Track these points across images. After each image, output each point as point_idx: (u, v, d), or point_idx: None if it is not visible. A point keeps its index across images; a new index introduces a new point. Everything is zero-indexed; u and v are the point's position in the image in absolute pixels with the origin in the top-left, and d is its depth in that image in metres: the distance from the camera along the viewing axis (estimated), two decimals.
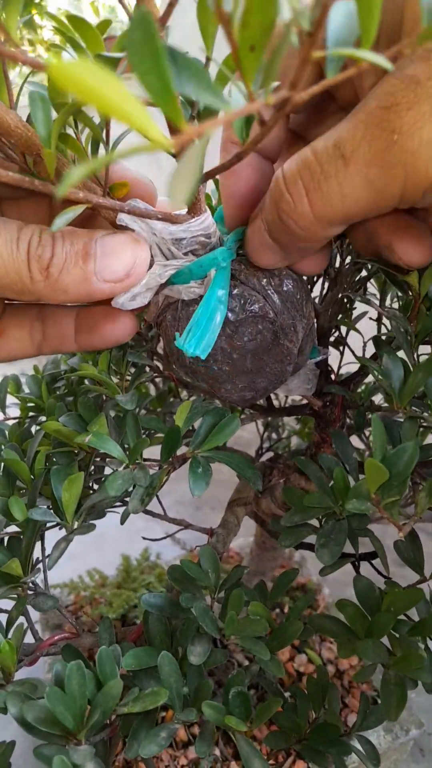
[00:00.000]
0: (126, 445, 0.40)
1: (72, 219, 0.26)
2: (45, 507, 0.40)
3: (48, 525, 0.43)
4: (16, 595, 0.40)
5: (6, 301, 0.37)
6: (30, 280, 0.30)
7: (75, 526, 0.40)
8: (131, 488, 0.39)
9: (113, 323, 0.36)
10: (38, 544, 0.43)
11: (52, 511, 0.40)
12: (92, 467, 0.46)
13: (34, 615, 0.85)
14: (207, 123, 0.15)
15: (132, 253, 0.32)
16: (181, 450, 0.41)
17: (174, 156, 0.25)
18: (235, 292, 0.34)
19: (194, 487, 0.37)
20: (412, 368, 0.36)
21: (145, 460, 0.41)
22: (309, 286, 0.49)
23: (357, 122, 0.27)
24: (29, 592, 0.40)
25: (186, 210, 0.33)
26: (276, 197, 0.30)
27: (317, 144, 0.28)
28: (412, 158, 0.26)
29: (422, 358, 0.38)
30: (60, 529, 0.41)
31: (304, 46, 0.17)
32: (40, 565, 0.42)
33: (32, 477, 0.43)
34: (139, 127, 0.13)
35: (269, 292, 0.35)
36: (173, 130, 0.26)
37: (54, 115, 0.28)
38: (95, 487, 0.47)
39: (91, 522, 0.40)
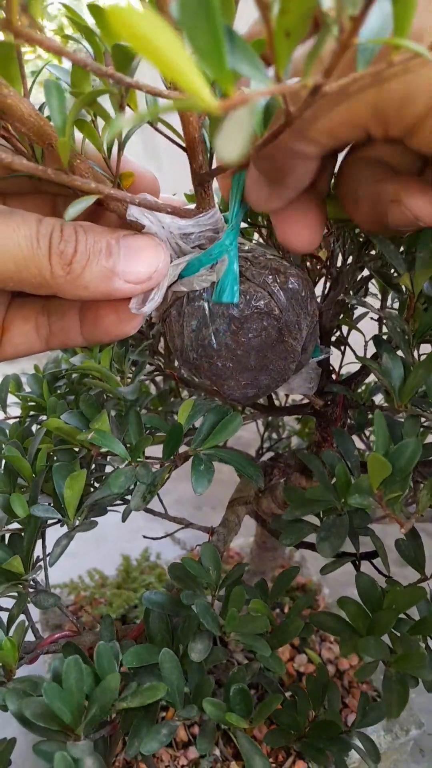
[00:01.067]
0: (128, 444, 0.40)
1: (84, 209, 0.26)
2: (47, 504, 0.40)
3: (49, 522, 0.43)
4: (16, 593, 0.40)
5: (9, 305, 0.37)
6: (50, 274, 0.30)
7: (77, 523, 0.40)
8: (133, 486, 0.39)
9: (118, 316, 0.36)
10: (39, 542, 0.43)
11: (53, 508, 0.40)
12: (93, 465, 0.46)
13: (35, 614, 0.85)
14: (255, 91, 0.15)
15: (155, 257, 0.32)
16: (183, 448, 0.41)
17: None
18: (240, 288, 0.34)
19: (197, 485, 0.37)
20: (411, 367, 0.36)
21: (146, 458, 0.41)
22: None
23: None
24: (30, 590, 0.40)
25: (195, 204, 0.33)
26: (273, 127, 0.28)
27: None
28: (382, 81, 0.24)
29: (422, 358, 0.38)
30: (61, 526, 0.41)
31: (344, 32, 0.17)
32: (41, 563, 0.42)
33: (33, 474, 0.43)
34: (190, 83, 0.13)
35: (275, 289, 0.35)
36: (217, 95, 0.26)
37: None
38: (96, 484, 0.47)
39: (92, 519, 0.40)
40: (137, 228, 0.33)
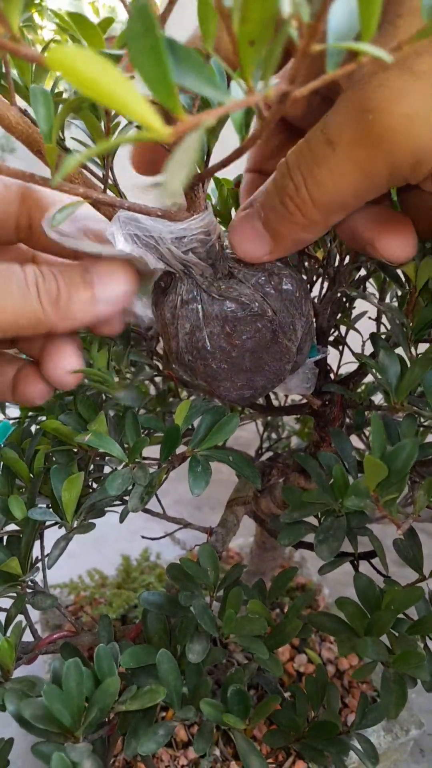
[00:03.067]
0: (126, 444, 0.40)
1: (72, 213, 0.26)
2: (45, 506, 0.40)
3: (47, 523, 0.43)
4: (14, 594, 0.40)
5: None
6: (43, 314, 0.33)
7: (75, 525, 0.40)
8: (130, 487, 0.39)
9: (30, 386, 0.39)
10: (37, 543, 0.43)
11: (51, 510, 0.40)
12: (92, 466, 0.46)
13: (34, 615, 0.85)
14: (204, 113, 0.15)
15: (125, 275, 0.35)
16: (180, 449, 0.41)
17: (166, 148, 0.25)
18: (234, 290, 0.34)
19: (194, 486, 0.37)
20: (409, 363, 0.36)
21: (144, 458, 0.41)
22: (308, 286, 0.49)
23: (339, 107, 0.27)
24: (28, 591, 0.40)
25: (186, 207, 0.33)
26: (279, 184, 0.31)
27: (309, 132, 0.29)
28: (392, 134, 0.26)
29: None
30: (59, 527, 0.41)
31: (303, 39, 0.17)
32: (39, 564, 0.42)
33: (32, 476, 0.43)
34: (136, 114, 0.13)
35: (268, 290, 0.35)
36: (170, 120, 0.26)
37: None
38: (94, 485, 0.47)
39: (90, 521, 0.40)
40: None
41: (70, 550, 0.41)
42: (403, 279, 0.40)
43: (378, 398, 0.54)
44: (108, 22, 0.30)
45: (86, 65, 0.12)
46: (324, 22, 0.16)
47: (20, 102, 0.32)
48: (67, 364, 0.37)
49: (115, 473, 0.37)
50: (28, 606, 0.41)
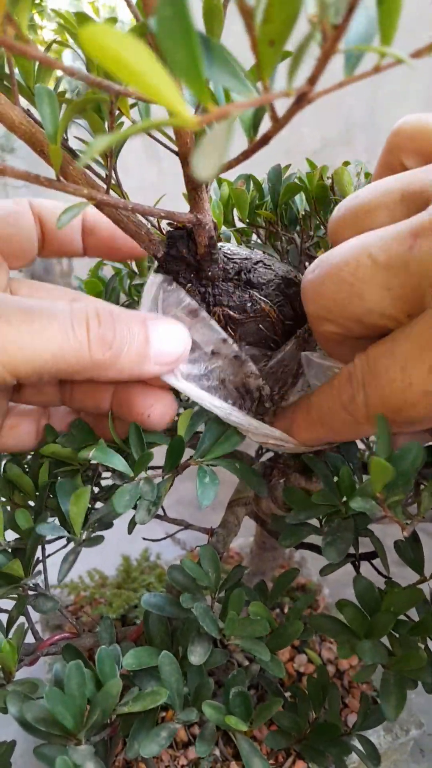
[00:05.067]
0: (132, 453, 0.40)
1: (77, 215, 0.26)
2: (53, 521, 0.40)
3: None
4: (16, 595, 0.40)
5: (10, 403, 0.40)
6: (90, 360, 0.31)
7: (83, 538, 0.40)
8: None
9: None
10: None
11: (59, 526, 0.40)
12: (96, 476, 0.46)
13: (34, 615, 0.85)
14: (234, 104, 0.15)
15: (182, 338, 0.34)
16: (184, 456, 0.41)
17: (175, 147, 0.25)
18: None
19: (202, 498, 0.37)
20: None
21: (147, 468, 0.41)
22: None
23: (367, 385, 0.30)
24: (30, 593, 0.40)
25: (190, 208, 0.33)
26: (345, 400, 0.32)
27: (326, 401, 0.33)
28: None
29: None
30: (68, 542, 0.41)
31: (328, 40, 0.17)
32: (41, 567, 0.42)
33: (36, 492, 0.42)
34: (165, 100, 0.13)
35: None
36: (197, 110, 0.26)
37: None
38: (97, 489, 0.47)
39: (99, 533, 0.40)
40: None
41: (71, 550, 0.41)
42: None
43: None
44: (111, 21, 0.30)
45: (118, 44, 0.12)
46: (350, 22, 0.16)
47: (23, 102, 0.32)
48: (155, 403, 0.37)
49: (122, 489, 0.36)
50: (29, 607, 0.41)
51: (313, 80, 0.18)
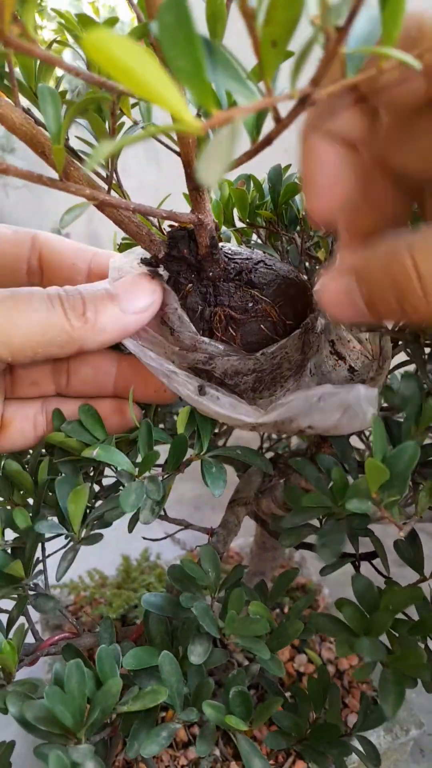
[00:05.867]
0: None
1: (79, 215, 0.26)
2: (52, 518, 0.40)
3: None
4: (16, 595, 0.40)
5: (5, 397, 0.41)
6: (72, 328, 0.34)
7: (82, 536, 0.40)
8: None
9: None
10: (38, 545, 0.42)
11: (58, 523, 0.40)
12: (97, 472, 0.46)
13: (34, 615, 0.85)
14: (237, 109, 0.15)
15: (150, 286, 0.36)
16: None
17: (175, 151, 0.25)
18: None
19: (213, 487, 0.38)
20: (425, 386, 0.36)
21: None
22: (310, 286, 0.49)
23: None
24: (30, 593, 0.40)
25: (191, 209, 0.33)
26: (401, 284, 0.26)
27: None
28: None
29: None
30: (66, 539, 0.41)
31: (331, 42, 0.17)
32: (41, 566, 0.42)
33: (35, 487, 0.42)
34: (169, 106, 0.13)
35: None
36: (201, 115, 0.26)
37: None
38: (97, 488, 0.47)
39: (98, 531, 0.40)
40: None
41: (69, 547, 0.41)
42: None
43: None
44: (113, 22, 0.30)
45: (123, 51, 0.12)
46: (353, 24, 0.16)
47: (23, 101, 0.32)
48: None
49: (128, 488, 0.37)
50: (29, 607, 0.41)
51: (316, 81, 0.18)
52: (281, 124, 0.21)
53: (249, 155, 0.24)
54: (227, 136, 0.14)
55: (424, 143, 0.27)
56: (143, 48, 0.12)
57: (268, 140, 0.23)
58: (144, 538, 0.60)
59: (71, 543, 0.40)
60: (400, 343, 0.42)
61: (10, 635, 0.38)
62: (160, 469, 0.41)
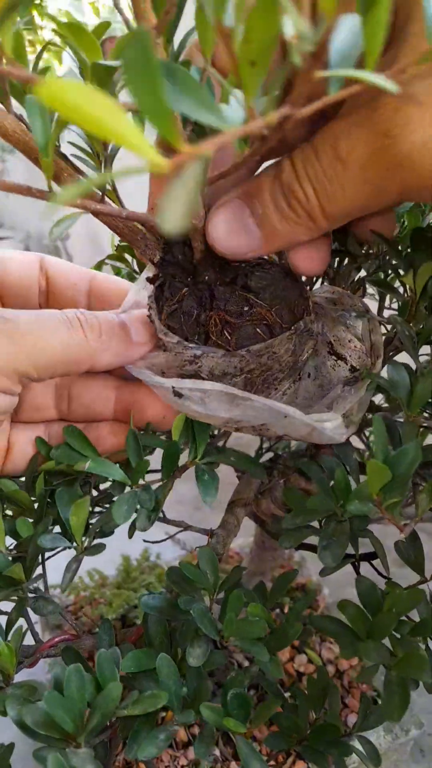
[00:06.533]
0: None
1: (71, 226, 0.26)
2: (55, 532, 0.40)
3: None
4: (16, 598, 0.40)
5: (12, 421, 0.43)
6: (89, 347, 0.36)
7: (85, 545, 0.40)
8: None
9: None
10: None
11: (60, 535, 0.40)
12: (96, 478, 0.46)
13: (34, 616, 0.85)
14: (204, 144, 0.15)
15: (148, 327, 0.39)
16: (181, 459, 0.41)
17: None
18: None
19: (205, 495, 0.38)
20: (416, 372, 0.36)
21: (148, 471, 0.41)
22: (308, 286, 0.49)
23: (351, 125, 0.27)
24: (30, 596, 0.40)
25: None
26: (287, 188, 0.30)
27: (318, 143, 0.29)
28: (408, 160, 0.26)
29: (421, 359, 0.38)
30: (68, 549, 0.41)
31: (305, 65, 0.16)
32: (40, 569, 0.42)
33: (35, 503, 0.42)
34: (134, 147, 0.13)
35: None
36: (169, 149, 0.26)
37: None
38: (94, 492, 0.47)
39: (100, 541, 0.40)
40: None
41: (71, 550, 0.41)
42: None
43: (378, 398, 0.53)
44: (104, 27, 0.29)
45: (79, 98, 0.12)
46: (325, 51, 0.16)
47: (17, 107, 0.31)
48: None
49: (121, 499, 0.37)
50: (28, 608, 0.40)
51: (295, 102, 0.18)
52: (265, 141, 0.21)
53: (234, 168, 0.24)
54: (192, 176, 0.13)
55: None
56: (98, 92, 0.12)
57: (252, 155, 0.22)
58: (145, 541, 0.60)
59: (74, 553, 0.40)
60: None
61: (9, 637, 0.38)
62: (160, 474, 0.41)
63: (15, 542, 0.41)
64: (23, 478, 0.43)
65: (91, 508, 0.41)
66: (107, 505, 0.46)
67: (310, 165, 0.29)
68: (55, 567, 0.44)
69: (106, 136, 0.13)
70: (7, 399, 0.37)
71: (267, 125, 0.18)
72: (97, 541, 0.40)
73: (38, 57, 0.35)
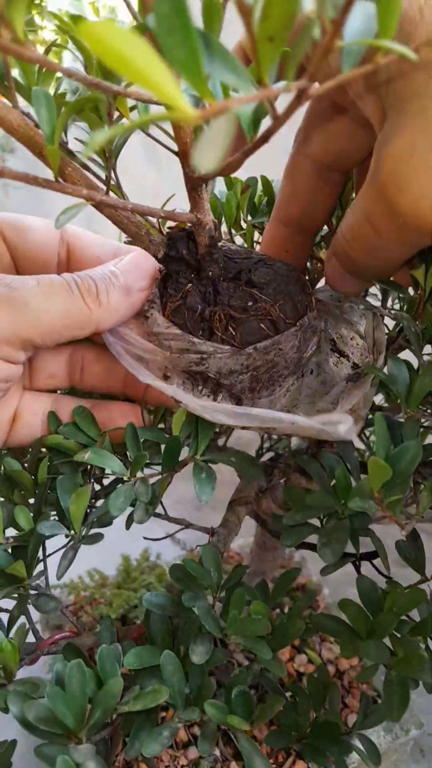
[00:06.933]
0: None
1: (76, 215, 0.26)
2: (53, 518, 0.40)
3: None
4: (17, 595, 0.40)
5: (25, 388, 0.43)
6: (89, 309, 0.36)
7: (83, 534, 0.40)
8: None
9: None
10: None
11: (59, 522, 0.40)
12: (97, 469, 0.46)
13: (34, 614, 0.85)
14: (234, 99, 0.15)
15: (147, 262, 0.39)
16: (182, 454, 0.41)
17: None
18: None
19: (201, 493, 0.37)
20: (418, 370, 0.36)
21: (148, 465, 0.41)
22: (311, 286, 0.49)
23: (369, 196, 0.32)
24: (32, 593, 0.40)
25: (190, 208, 0.33)
26: (343, 256, 0.38)
27: (355, 217, 0.35)
28: (424, 220, 0.30)
29: (426, 357, 0.38)
30: (67, 538, 0.41)
31: (326, 35, 0.17)
32: (42, 565, 0.42)
33: (35, 486, 0.42)
34: (164, 94, 0.13)
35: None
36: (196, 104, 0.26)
37: None
38: (96, 486, 0.47)
39: (98, 531, 0.40)
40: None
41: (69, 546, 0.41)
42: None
43: (378, 398, 0.53)
44: (111, 22, 0.29)
45: (117, 39, 0.12)
46: (347, 17, 0.16)
47: (22, 102, 0.32)
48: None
49: (117, 491, 0.37)
50: (29, 606, 0.40)
51: (312, 76, 0.18)
52: (279, 120, 0.21)
53: (247, 153, 0.24)
54: (223, 125, 0.14)
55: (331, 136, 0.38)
56: (139, 37, 0.12)
57: (267, 136, 0.23)
58: (145, 538, 0.60)
59: (71, 542, 0.40)
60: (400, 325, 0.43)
61: (11, 634, 0.38)
62: (159, 467, 0.41)
63: (13, 534, 0.41)
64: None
65: (91, 502, 0.41)
66: (107, 496, 0.46)
67: (354, 239, 0.35)
68: (56, 564, 0.44)
69: (139, 80, 0.13)
70: (12, 368, 0.37)
71: (285, 91, 0.18)
72: (94, 530, 0.40)
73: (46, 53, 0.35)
